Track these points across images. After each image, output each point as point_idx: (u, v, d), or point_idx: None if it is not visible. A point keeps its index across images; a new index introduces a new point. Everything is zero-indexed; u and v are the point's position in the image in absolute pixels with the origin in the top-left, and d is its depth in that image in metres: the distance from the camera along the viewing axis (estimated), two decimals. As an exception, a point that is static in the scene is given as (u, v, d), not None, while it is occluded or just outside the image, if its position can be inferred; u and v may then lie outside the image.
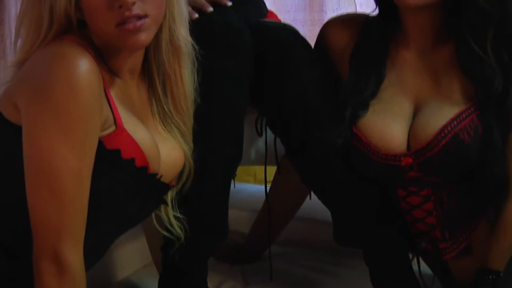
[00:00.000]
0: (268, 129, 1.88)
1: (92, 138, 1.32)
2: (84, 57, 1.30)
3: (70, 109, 1.27)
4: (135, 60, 1.47)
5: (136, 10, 1.35)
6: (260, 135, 1.93)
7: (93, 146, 1.32)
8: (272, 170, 2.01)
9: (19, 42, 1.41)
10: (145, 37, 1.37)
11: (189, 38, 1.51)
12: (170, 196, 1.60)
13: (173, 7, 1.45)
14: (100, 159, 1.34)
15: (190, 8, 1.68)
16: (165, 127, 1.54)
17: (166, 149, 1.51)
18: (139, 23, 1.35)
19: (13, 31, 2.25)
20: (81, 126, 1.29)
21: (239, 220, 2.21)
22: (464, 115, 1.61)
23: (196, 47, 1.54)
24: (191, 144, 1.58)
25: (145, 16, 1.36)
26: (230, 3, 1.73)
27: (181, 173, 1.59)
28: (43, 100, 1.28)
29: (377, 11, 1.72)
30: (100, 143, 1.35)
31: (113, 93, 1.41)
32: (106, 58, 1.43)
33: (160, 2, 1.40)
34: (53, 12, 1.35)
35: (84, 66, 1.29)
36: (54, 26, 1.36)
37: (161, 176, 1.49)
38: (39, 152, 1.29)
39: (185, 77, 1.53)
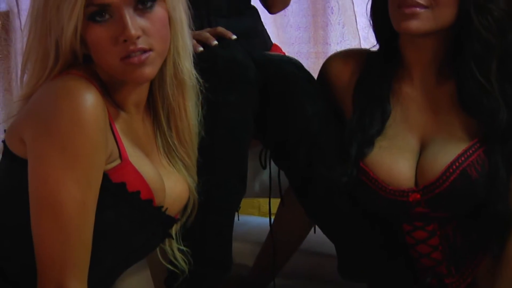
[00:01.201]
0: (272, 162, 1.88)
1: (97, 172, 1.32)
2: (89, 91, 1.31)
3: (76, 143, 1.28)
4: (141, 93, 1.47)
5: (141, 44, 1.35)
6: (264, 167, 1.93)
7: (97, 180, 1.32)
8: (276, 202, 2.01)
9: (25, 76, 1.42)
10: (149, 70, 1.37)
11: (194, 71, 1.52)
12: (174, 229, 1.60)
13: (178, 41, 1.45)
14: (106, 192, 1.34)
15: (194, 41, 1.69)
16: (170, 160, 1.54)
17: (171, 182, 1.50)
18: (143, 57, 1.35)
19: (19, 65, 2.27)
20: (86, 160, 1.29)
21: (243, 252, 2.20)
22: (471, 151, 1.62)
23: (201, 80, 1.54)
24: (196, 177, 1.58)
25: (150, 49, 1.36)
26: (234, 37, 1.74)
27: (185, 206, 1.59)
28: (48, 133, 1.29)
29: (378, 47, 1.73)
30: (106, 177, 1.35)
31: (118, 127, 1.41)
32: (112, 92, 1.43)
33: (164, 36, 1.40)
34: (59, 47, 1.36)
35: (90, 100, 1.29)
36: (60, 61, 1.37)
37: (166, 209, 1.48)
38: (45, 185, 1.29)
39: (189, 110, 1.53)
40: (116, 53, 1.35)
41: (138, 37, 1.34)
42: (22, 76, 1.43)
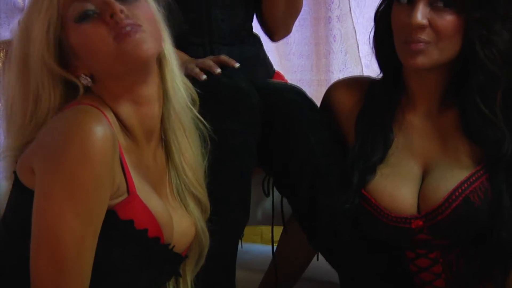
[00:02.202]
0: (275, 189, 1.88)
1: (100, 207, 1.30)
2: (99, 123, 1.29)
3: (79, 176, 1.27)
4: (150, 120, 1.45)
5: (128, 19, 1.35)
6: (267, 195, 1.93)
7: (100, 215, 1.31)
8: (279, 230, 2.00)
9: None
10: (147, 46, 1.36)
11: (189, 105, 1.52)
12: (182, 268, 1.57)
13: (173, 77, 1.46)
14: (113, 230, 1.33)
15: (197, 70, 1.70)
16: (179, 195, 1.53)
17: (177, 217, 1.49)
18: (133, 29, 1.34)
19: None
20: (88, 194, 1.28)
21: (246, 280, 2.19)
22: (473, 178, 1.61)
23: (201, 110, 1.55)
24: (208, 207, 1.57)
25: (139, 25, 1.36)
26: (238, 65, 1.75)
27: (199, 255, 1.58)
28: (54, 165, 1.28)
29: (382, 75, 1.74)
30: (113, 213, 1.33)
31: (128, 159, 1.40)
32: (121, 119, 1.42)
33: (153, 20, 1.40)
34: (39, 86, 1.36)
35: (99, 133, 1.28)
36: (44, 99, 1.37)
37: (173, 247, 1.47)
38: (44, 217, 1.28)
39: (192, 140, 1.54)
40: (108, 36, 1.34)
41: (122, 11, 1.34)
42: (7, 129, 1.42)
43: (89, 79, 1.39)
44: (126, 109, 1.42)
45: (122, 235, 1.35)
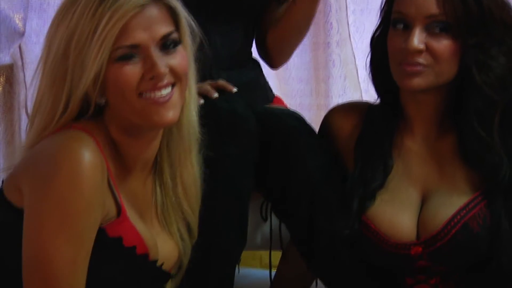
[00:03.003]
0: (273, 214, 1.87)
1: (90, 231, 1.32)
2: (88, 149, 1.31)
3: (71, 202, 1.28)
4: (151, 151, 1.47)
5: (167, 79, 1.38)
6: (265, 220, 1.93)
7: (90, 238, 1.32)
8: (277, 255, 2.00)
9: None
10: (172, 115, 1.40)
11: (198, 129, 1.53)
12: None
13: (191, 91, 1.48)
14: (102, 247, 1.34)
15: (196, 94, 1.71)
16: (165, 220, 1.53)
17: (160, 241, 1.49)
18: (164, 99, 1.38)
19: (23, 117, 2.29)
20: (79, 219, 1.29)
21: (244, 305, 2.18)
22: (472, 204, 1.61)
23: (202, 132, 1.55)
24: (196, 234, 1.57)
25: (174, 84, 1.39)
26: (235, 90, 1.76)
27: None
28: (45, 189, 1.29)
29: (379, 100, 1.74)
30: (102, 231, 1.35)
31: (118, 183, 1.41)
32: (122, 149, 1.43)
33: (187, 72, 1.43)
34: (71, 95, 1.37)
35: (88, 159, 1.30)
36: (68, 110, 1.38)
37: (162, 264, 1.48)
38: (36, 240, 1.30)
39: (195, 164, 1.54)
40: (137, 89, 1.37)
41: (165, 75, 1.37)
42: (31, 123, 1.43)
43: (103, 100, 1.40)
44: (127, 142, 1.43)
45: (110, 251, 1.36)
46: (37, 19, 2.38)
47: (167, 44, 1.39)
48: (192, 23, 1.47)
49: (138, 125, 1.41)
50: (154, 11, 1.39)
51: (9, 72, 2.37)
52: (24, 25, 2.35)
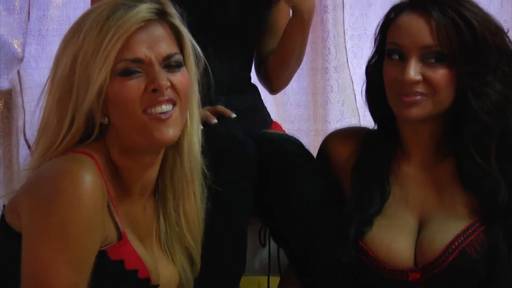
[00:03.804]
0: (271, 240, 1.87)
1: (90, 254, 1.32)
2: (89, 172, 1.32)
3: (71, 224, 1.28)
4: (151, 175, 1.48)
5: (168, 95, 1.39)
6: (264, 245, 1.92)
7: (90, 261, 1.32)
8: (275, 280, 1.99)
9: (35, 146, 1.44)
10: (173, 133, 1.40)
11: (200, 156, 1.54)
12: None
13: (193, 117, 1.49)
14: (104, 270, 1.34)
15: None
16: (166, 243, 1.53)
17: (161, 267, 1.49)
18: (166, 115, 1.38)
19: (21, 142, 2.29)
20: (79, 242, 1.29)
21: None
22: (470, 230, 1.61)
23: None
24: (198, 265, 1.57)
25: (175, 103, 1.40)
26: (234, 115, 1.76)
27: None
28: (45, 213, 1.29)
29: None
30: (104, 254, 1.35)
31: (118, 206, 1.41)
32: (121, 173, 1.44)
33: (188, 92, 1.44)
34: (75, 113, 1.38)
35: (89, 182, 1.30)
36: (72, 131, 1.38)
37: None
38: (35, 263, 1.29)
39: (197, 193, 1.54)
40: (141, 104, 1.38)
41: (167, 88, 1.38)
42: (37, 143, 1.44)
43: (106, 119, 1.41)
44: (128, 165, 1.44)
45: (113, 274, 1.36)
46: (36, 44, 2.39)
47: (171, 65, 1.41)
48: (197, 47, 1.49)
49: (139, 144, 1.42)
50: (159, 29, 1.41)
51: (8, 97, 2.38)
52: (23, 50, 2.36)
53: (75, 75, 1.37)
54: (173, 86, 1.40)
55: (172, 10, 1.44)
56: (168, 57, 1.40)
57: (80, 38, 1.38)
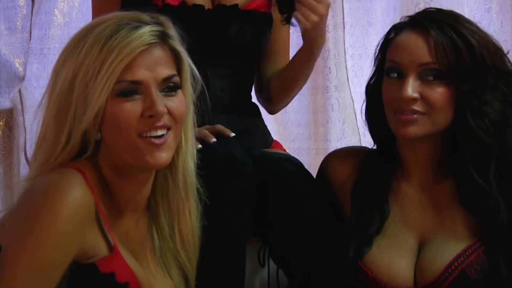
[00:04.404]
0: (271, 259, 1.87)
1: (57, 265, 1.32)
2: (76, 187, 1.33)
3: (41, 231, 1.29)
4: (143, 193, 1.48)
5: (163, 121, 1.40)
6: (263, 265, 1.92)
7: (56, 272, 1.31)
8: (276, 300, 1.98)
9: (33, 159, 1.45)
10: (165, 157, 1.41)
11: (194, 175, 1.54)
12: None
13: (188, 138, 1.49)
14: (94, 283, 1.35)
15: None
16: (162, 259, 1.53)
17: (156, 282, 1.49)
18: (160, 141, 1.39)
19: (22, 161, 2.29)
20: (46, 250, 1.30)
21: None
22: (470, 251, 1.61)
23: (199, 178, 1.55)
24: (193, 282, 1.56)
25: (170, 128, 1.41)
26: (233, 134, 1.76)
27: None
28: (22, 218, 1.31)
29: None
30: (94, 267, 1.35)
31: (110, 222, 1.41)
32: (114, 189, 1.44)
33: (183, 117, 1.45)
34: (72, 131, 1.39)
35: (73, 195, 1.32)
36: (69, 146, 1.39)
37: None
38: (3, 261, 1.30)
39: (193, 212, 1.54)
40: (136, 128, 1.38)
41: (163, 115, 1.39)
42: (35, 155, 1.44)
43: (99, 135, 1.41)
44: (119, 182, 1.44)
45: (103, 287, 1.36)
46: (37, 63, 2.41)
47: (168, 87, 1.42)
48: (195, 70, 1.50)
49: (130, 165, 1.42)
50: (160, 52, 1.42)
51: (9, 116, 2.39)
52: (25, 69, 2.37)
53: (74, 93, 1.38)
54: (169, 112, 1.41)
55: (173, 32, 1.45)
56: (166, 79, 1.41)
57: (82, 54, 1.38)
